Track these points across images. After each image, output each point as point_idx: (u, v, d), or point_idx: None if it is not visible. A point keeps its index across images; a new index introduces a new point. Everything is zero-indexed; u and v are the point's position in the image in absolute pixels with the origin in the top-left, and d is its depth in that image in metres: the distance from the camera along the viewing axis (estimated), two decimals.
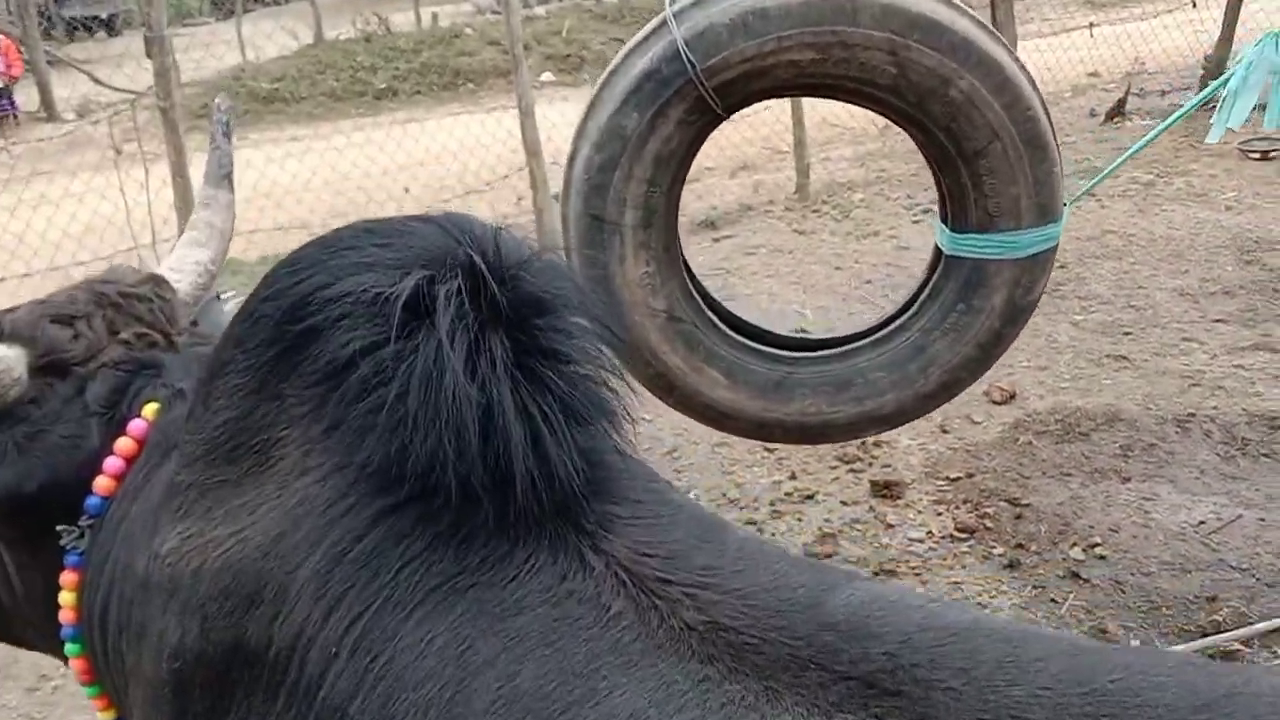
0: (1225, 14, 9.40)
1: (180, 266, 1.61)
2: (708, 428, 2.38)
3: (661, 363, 2.17)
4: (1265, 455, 4.24)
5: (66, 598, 1.30)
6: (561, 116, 9.18)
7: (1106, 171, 3.37)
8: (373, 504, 1.00)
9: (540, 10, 20.25)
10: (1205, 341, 5.27)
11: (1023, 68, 2.07)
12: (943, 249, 2.24)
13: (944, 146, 2.09)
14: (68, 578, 1.30)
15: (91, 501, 1.30)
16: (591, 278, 2.06)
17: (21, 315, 1.39)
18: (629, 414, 1.10)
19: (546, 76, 16.69)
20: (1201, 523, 3.80)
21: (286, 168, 8.29)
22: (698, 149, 2.12)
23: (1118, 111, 9.77)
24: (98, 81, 10.53)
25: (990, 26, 2.07)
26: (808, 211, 7.99)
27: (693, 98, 2.04)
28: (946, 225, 2.22)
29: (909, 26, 1.97)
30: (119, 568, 1.22)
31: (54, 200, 6.83)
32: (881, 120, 9.35)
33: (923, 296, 2.29)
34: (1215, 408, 4.59)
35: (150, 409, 1.34)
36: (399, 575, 0.96)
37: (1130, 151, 3.36)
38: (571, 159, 2.16)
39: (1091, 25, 12.84)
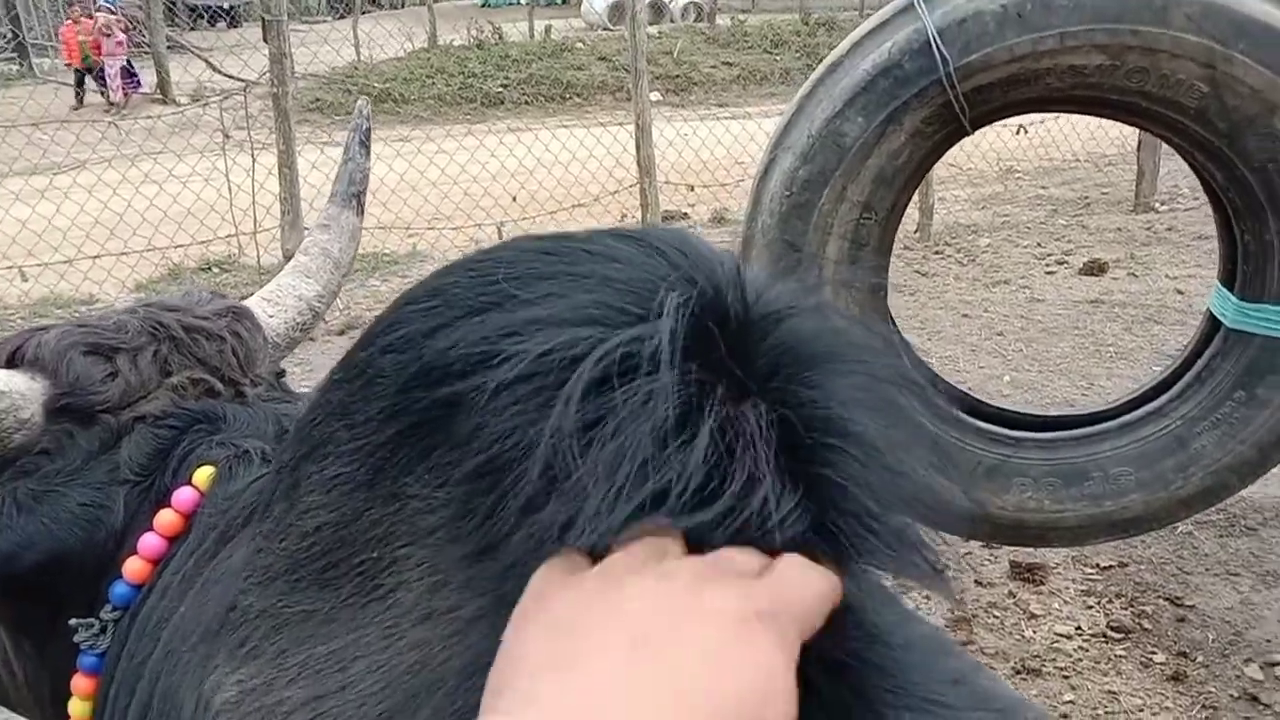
0: None
1: (277, 298, 1.26)
2: None
3: None
4: None
5: (78, 708, 0.96)
6: (672, 135, 8.87)
7: None
8: None
9: (652, 30, 20.08)
10: None
11: None
12: (1223, 320, 1.79)
13: (1251, 190, 1.65)
14: (80, 684, 0.96)
15: (119, 590, 0.96)
16: None
17: (51, 338, 1.05)
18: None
19: (654, 96, 16.47)
20: None
21: (394, 167, 8.11)
22: (929, 169, 1.72)
23: None
24: (212, 67, 10.56)
25: None
26: (929, 253, 7.53)
27: (937, 103, 1.64)
28: (1232, 291, 1.77)
29: (1235, 33, 1.53)
30: (156, 692, 0.88)
31: (158, 180, 6.71)
32: (1003, 162, 8.89)
33: (1189, 376, 1.84)
34: None
35: (203, 475, 0.99)
36: None
37: None
38: (765, 172, 1.76)
39: None
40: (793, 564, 0.59)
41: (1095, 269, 6.69)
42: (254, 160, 5.84)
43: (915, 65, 1.62)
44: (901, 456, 0.69)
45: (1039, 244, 7.59)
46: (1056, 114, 2.09)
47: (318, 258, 1.31)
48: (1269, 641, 3.36)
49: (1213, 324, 1.84)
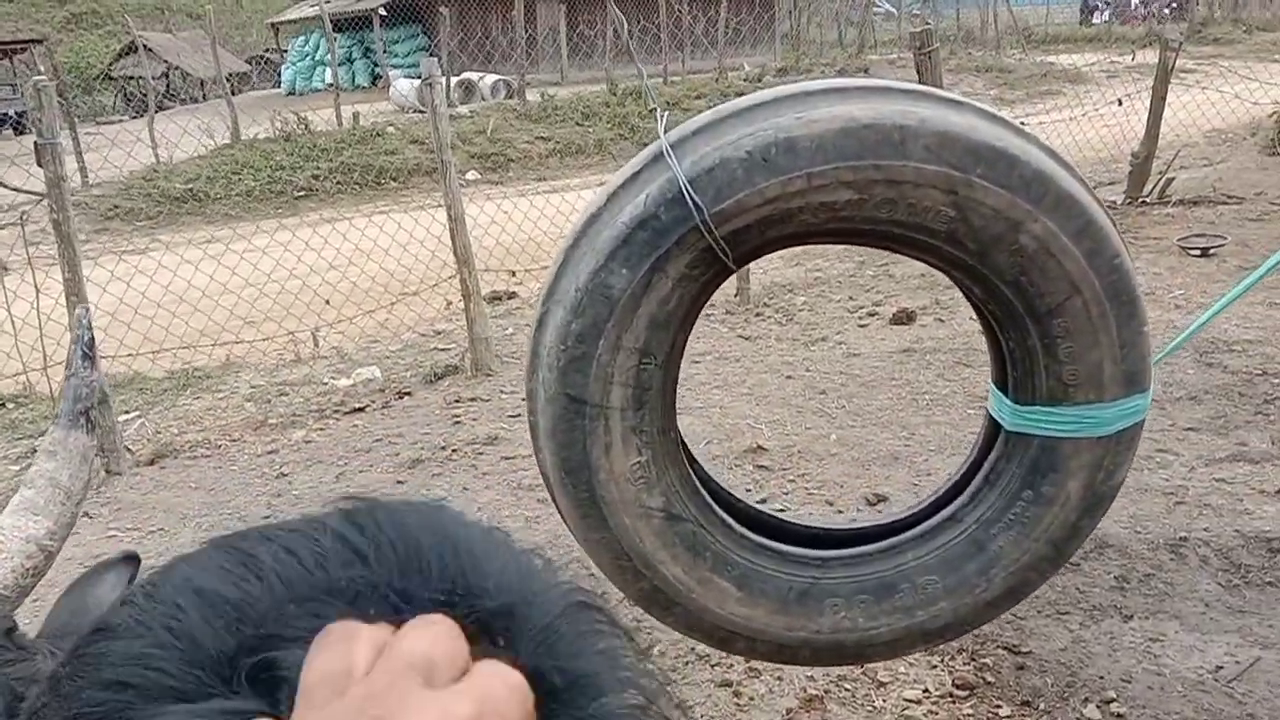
0: (1150, 112, 9.50)
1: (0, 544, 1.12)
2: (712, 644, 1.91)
3: (659, 574, 1.71)
4: (1270, 584, 3.95)
5: None
6: (488, 217, 8.84)
7: (1204, 319, 3.13)
8: None
9: (464, 109, 20.13)
10: (1180, 453, 5.02)
11: (1103, 206, 1.72)
12: (1002, 424, 1.84)
13: (1009, 303, 1.71)
14: None
15: None
16: (569, 474, 1.62)
17: None
18: None
19: (472, 175, 16.48)
20: (1219, 668, 3.45)
21: (195, 277, 7.77)
22: (701, 309, 1.70)
23: None
24: None
25: (1063, 157, 1.73)
26: (750, 315, 7.70)
27: (699, 248, 1.64)
28: (1007, 395, 1.82)
29: (971, 159, 1.60)
30: None
31: None
32: None
33: (978, 480, 1.88)
34: (1207, 529, 4.30)
35: None
36: None
37: (1231, 296, 3.13)
38: (540, 324, 1.72)
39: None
40: (489, 666, 0.53)
41: (904, 318, 6.96)
42: (37, 291, 5.46)
43: (671, 215, 1.61)
44: None
45: (851, 297, 7.86)
46: (825, 244, 2.14)
47: (45, 490, 1.17)
48: (1102, 679, 3.49)
49: (994, 427, 1.90)
